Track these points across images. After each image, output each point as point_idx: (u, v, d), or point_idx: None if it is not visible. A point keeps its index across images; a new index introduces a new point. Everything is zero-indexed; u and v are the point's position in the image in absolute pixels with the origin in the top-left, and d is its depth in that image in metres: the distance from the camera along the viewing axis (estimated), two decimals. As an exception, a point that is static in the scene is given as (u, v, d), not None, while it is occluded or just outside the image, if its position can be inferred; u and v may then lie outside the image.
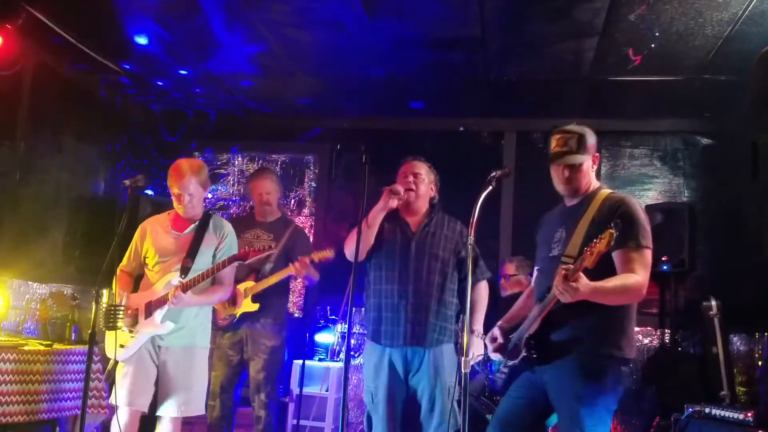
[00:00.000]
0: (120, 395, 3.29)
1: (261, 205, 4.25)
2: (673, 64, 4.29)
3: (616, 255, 2.54)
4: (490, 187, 2.80)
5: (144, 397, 3.31)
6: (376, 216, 3.33)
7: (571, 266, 2.40)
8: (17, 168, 4.37)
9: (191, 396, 3.38)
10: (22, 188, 4.41)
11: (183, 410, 3.35)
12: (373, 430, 3.37)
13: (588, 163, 2.72)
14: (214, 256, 3.47)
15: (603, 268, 2.45)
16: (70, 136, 4.83)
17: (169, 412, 3.34)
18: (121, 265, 3.52)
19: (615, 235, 2.31)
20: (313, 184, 5.96)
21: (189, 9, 3.90)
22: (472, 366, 3.66)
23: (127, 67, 4.86)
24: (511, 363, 2.82)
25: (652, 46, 3.85)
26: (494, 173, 2.80)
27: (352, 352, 5.50)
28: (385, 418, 3.30)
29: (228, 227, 3.57)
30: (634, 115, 5.20)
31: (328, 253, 3.90)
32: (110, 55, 4.67)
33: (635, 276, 2.49)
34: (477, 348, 3.45)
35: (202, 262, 3.42)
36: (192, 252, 3.38)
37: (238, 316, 4.05)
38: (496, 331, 2.89)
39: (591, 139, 2.73)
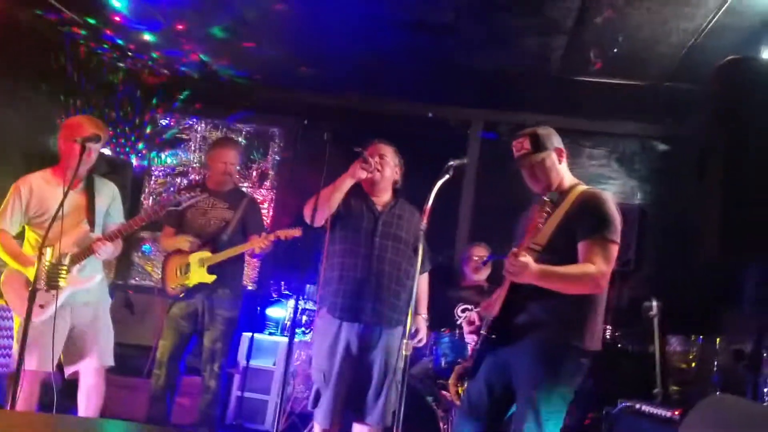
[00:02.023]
0: (32, 358, 3.18)
1: (221, 174, 4.15)
2: (638, 70, 4.39)
3: (580, 246, 2.56)
4: (447, 176, 2.87)
5: (54, 358, 3.24)
6: (343, 182, 3.32)
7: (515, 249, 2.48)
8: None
9: (108, 348, 3.47)
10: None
11: (106, 360, 3.43)
12: (320, 407, 3.37)
13: (550, 159, 2.74)
14: (107, 214, 3.49)
15: (567, 261, 2.51)
16: (26, 84, 4.66)
17: (92, 364, 3.39)
18: None
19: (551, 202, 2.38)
20: (277, 158, 5.91)
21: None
22: (418, 349, 3.74)
23: (93, 21, 4.73)
24: (474, 348, 2.85)
25: (615, 51, 3.94)
26: (451, 162, 2.88)
27: (302, 329, 5.53)
28: (336, 397, 3.32)
29: (114, 187, 3.60)
30: (596, 116, 5.30)
31: (296, 232, 3.85)
32: (75, 5, 4.52)
33: (592, 266, 2.50)
34: (422, 330, 3.57)
35: (101, 217, 3.45)
36: (90, 208, 3.38)
37: (190, 286, 3.99)
38: (473, 315, 2.97)
39: (546, 135, 2.76)
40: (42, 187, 3.36)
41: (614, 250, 2.58)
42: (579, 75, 4.62)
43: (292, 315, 5.36)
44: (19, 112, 4.66)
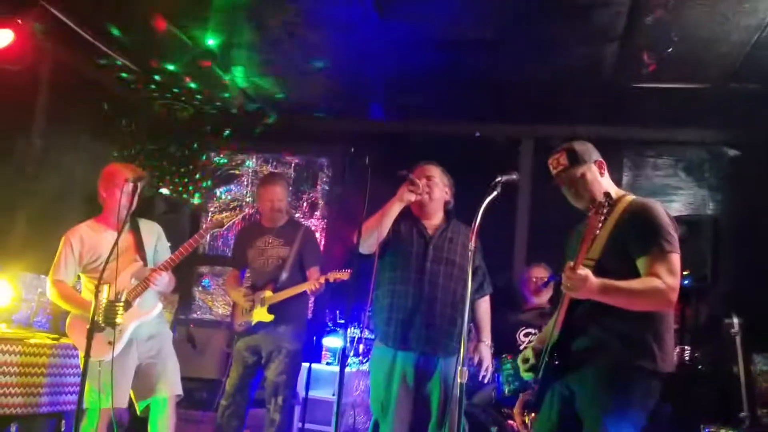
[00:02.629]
0: (105, 397, 3.23)
1: (271, 212, 4.21)
2: (698, 72, 4.18)
3: (640, 262, 2.44)
4: (495, 193, 2.74)
5: (127, 393, 3.37)
6: (392, 207, 3.25)
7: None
8: (32, 163, 4.42)
9: (176, 377, 3.52)
10: (36, 182, 4.48)
11: (172, 390, 3.47)
12: None
13: (591, 173, 2.66)
14: (156, 251, 3.59)
15: (622, 276, 2.38)
16: (86, 131, 4.89)
17: (163, 395, 3.43)
18: (54, 276, 3.46)
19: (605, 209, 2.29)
20: (326, 187, 5.93)
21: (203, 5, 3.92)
22: (481, 377, 3.59)
23: (143, 63, 4.90)
24: (539, 376, 2.67)
25: (669, 50, 3.73)
26: (499, 178, 2.74)
27: (360, 358, 5.45)
28: (396, 427, 3.21)
29: (157, 225, 3.70)
30: (657, 124, 5.06)
31: (344, 276, 3.88)
32: (127, 51, 4.71)
33: (657, 280, 2.36)
34: (486, 359, 3.47)
35: (151, 253, 3.55)
36: (140, 245, 3.50)
37: (254, 323, 4.05)
38: (528, 352, 2.80)
39: (584, 149, 2.69)
40: (91, 235, 3.49)
41: (676, 260, 2.42)
42: (634, 82, 4.42)
43: (354, 344, 5.31)
44: (80, 160, 4.86)
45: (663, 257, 2.40)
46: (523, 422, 3.90)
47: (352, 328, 5.41)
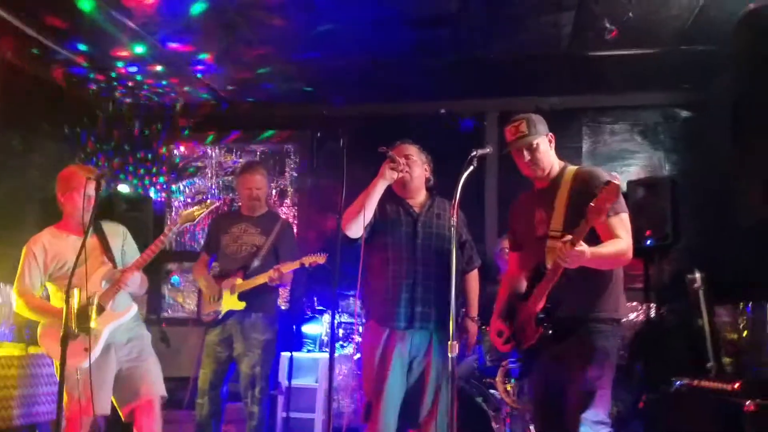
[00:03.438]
0: (87, 404, 3.14)
1: (250, 200, 4.15)
2: (650, 36, 4.26)
3: (598, 225, 2.60)
4: (471, 167, 2.81)
5: (108, 400, 3.30)
6: (376, 186, 3.21)
7: (569, 236, 2.49)
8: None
9: (159, 379, 3.45)
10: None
11: (160, 391, 3.41)
12: (373, 419, 3.24)
13: (545, 144, 2.85)
14: (123, 252, 3.49)
15: (588, 239, 2.53)
16: (40, 134, 4.73)
17: (147, 397, 3.35)
18: (19, 288, 3.34)
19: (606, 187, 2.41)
20: (294, 174, 5.87)
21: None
22: (462, 348, 3.64)
23: (92, 58, 4.74)
24: (527, 346, 2.79)
25: (630, 15, 3.80)
26: (474, 152, 2.82)
27: (340, 342, 5.45)
28: (390, 408, 3.21)
29: (121, 226, 3.61)
30: (613, 91, 5.16)
31: (319, 259, 3.85)
32: (76, 47, 4.54)
33: (622, 240, 2.64)
34: (473, 335, 3.55)
35: (119, 255, 3.46)
36: (107, 247, 3.40)
37: (223, 312, 3.97)
38: (498, 324, 2.95)
39: (539, 120, 2.88)
40: (54, 243, 3.36)
41: (628, 219, 2.71)
42: (590, 50, 4.50)
43: (329, 330, 5.30)
44: (34, 162, 4.70)
45: (617, 217, 2.65)
46: (506, 390, 3.99)
47: (334, 313, 5.42)
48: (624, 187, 4.18)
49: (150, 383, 3.39)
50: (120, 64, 4.89)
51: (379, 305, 3.33)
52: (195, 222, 3.44)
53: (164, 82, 5.28)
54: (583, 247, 2.48)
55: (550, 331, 2.68)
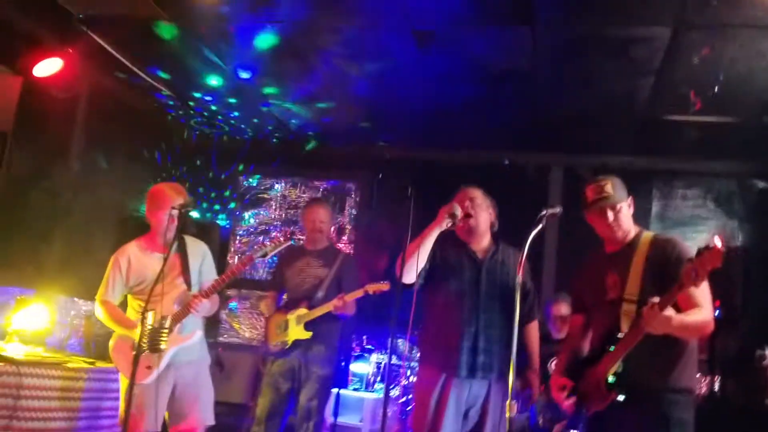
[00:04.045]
0: (141, 419, 3.26)
1: (313, 233, 4.24)
2: (730, 105, 4.19)
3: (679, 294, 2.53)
4: (540, 225, 2.79)
5: (161, 417, 3.35)
6: (430, 233, 3.19)
7: (656, 299, 2.43)
8: (70, 187, 4.46)
9: (209, 406, 3.49)
10: (72, 206, 4.51)
11: (203, 419, 3.44)
12: None
13: (626, 207, 2.80)
14: (200, 272, 3.56)
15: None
16: (121, 155, 4.94)
17: (193, 423, 3.41)
18: (102, 296, 3.47)
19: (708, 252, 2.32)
20: (354, 212, 5.96)
21: (242, 35, 3.97)
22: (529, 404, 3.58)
23: (172, 85, 4.98)
24: (592, 412, 2.71)
25: (716, 89, 3.76)
26: (544, 212, 2.81)
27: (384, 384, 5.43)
28: None
29: (204, 245, 3.68)
30: (687, 156, 5.09)
31: (384, 287, 3.87)
32: (158, 74, 4.78)
33: (704, 310, 2.57)
34: (536, 387, 3.46)
35: (196, 276, 3.52)
36: (185, 268, 3.47)
37: (290, 343, 4.03)
38: (561, 380, 2.86)
39: (621, 185, 2.83)
40: (138, 257, 3.48)
41: (708, 289, 2.61)
42: (667, 114, 4.46)
43: (381, 370, 5.29)
44: (114, 181, 4.92)
45: (701, 288, 2.54)
46: (557, 451, 3.88)
47: (379, 354, 5.42)
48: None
49: (198, 410, 3.43)
50: (197, 94, 5.11)
51: (438, 351, 3.28)
52: (267, 257, 3.53)
53: (236, 114, 5.49)
54: (670, 312, 2.41)
55: (623, 397, 2.59)
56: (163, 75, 4.81)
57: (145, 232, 3.61)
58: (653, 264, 2.65)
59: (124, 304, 3.55)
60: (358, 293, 3.91)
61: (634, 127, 4.73)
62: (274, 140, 5.89)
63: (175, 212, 3.28)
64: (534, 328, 3.49)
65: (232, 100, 5.19)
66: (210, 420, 3.50)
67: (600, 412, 2.67)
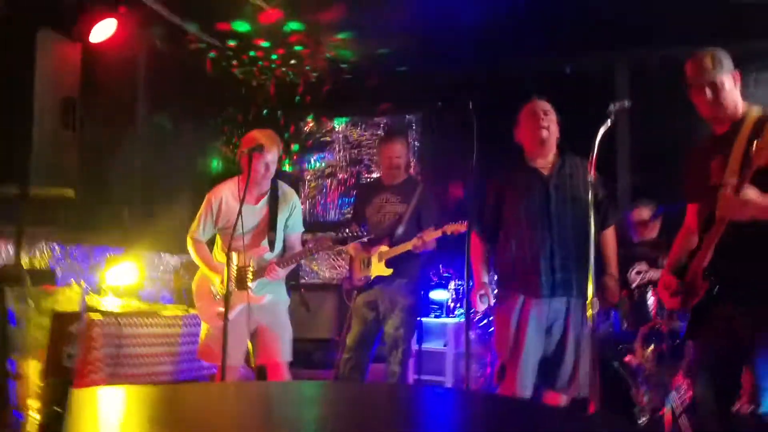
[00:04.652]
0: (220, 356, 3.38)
1: (390, 169, 4.27)
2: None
3: None
4: (609, 121, 2.72)
5: (241, 354, 3.52)
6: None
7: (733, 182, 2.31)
8: (141, 149, 4.64)
9: (287, 345, 3.61)
10: (147, 169, 4.70)
11: (284, 355, 3.59)
12: (508, 381, 3.26)
13: (729, 82, 2.59)
14: (286, 226, 3.63)
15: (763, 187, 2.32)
16: (185, 115, 5.07)
17: (274, 360, 3.57)
18: (192, 234, 3.61)
19: None
20: (416, 144, 5.95)
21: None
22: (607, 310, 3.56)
23: (232, 42, 5.05)
24: (695, 303, 2.62)
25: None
26: (612, 107, 2.73)
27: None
28: (524, 372, 3.21)
29: (295, 197, 3.72)
30: (761, 35, 4.73)
31: (461, 227, 3.83)
32: (215, 30, 4.84)
33: None
34: (614, 292, 3.37)
35: (281, 232, 3.60)
36: (272, 225, 3.54)
37: (372, 277, 4.15)
38: (667, 277, 2.78)
39: (725, 57, 2.61)
40: (230, 201, 3.59)
41: None
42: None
43: (458, 296, 5.36)
44: (183, 142, 5.08)
45: None
46: (644, 356, 3.87)
47: (456, 280, 5.48)
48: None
49: (278, 348, 3.57)
50: (252, 52, 5.18)
51: (515, 273, 3.29)
52: (344, 246, 3.63)
53: (293, 61, 5.51)
54: (749, 194, 2.28)
55: (717, 288, 2.49)
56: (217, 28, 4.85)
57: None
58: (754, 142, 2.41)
59: (212, 241, 3.71)
60: (437, 233, 3.93)
61: (698, 12, 4.43)
62: (332, 81, 5.87)
63: (245, 155, 3.35)
64: (610, 235, 3.42)
65: (289, 46, 5.19)
66: (288, 356, 3.63)
67: (699, 305, 2.59)
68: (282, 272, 3.54)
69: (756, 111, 2.58)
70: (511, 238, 3.33)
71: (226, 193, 3.60)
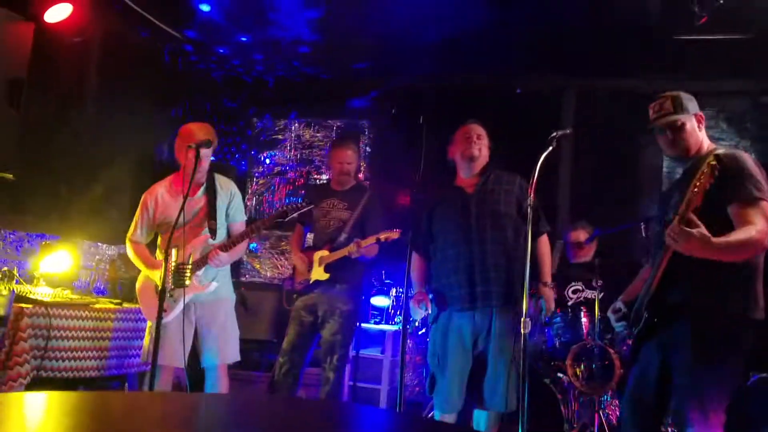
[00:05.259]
0: (164, 354, 3.38)
1: (340, 174, 4.27)
2: (741, 22, 4.10)
3: (731, 210, 2.46)
4: (551, 148, 2.81)
5: (181, 354, 3.42)
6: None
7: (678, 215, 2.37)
8: (88, 133, 4.51)
9: (230, 345, 3.61)
10: (91, 152, 4.56)
11: (223, 357, 3.57)
12: (437, 393, 3.38)
13: (691, 123, 2.68)
14: (227, 215, 3.63)
15: (720, 226, 2.38)
16: (136, 101, 4.95)
17: (213, 360, 3.55)
18: (130, 236, 3.61)
19: (716, 166, 2.29)
20: (368, 149, 5.98)
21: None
22: (543, 318, 3.65)
23: (190, 34, 4.97)
24: (635, 330, 2.71)
25: (721, 1, 3.68)
26: (555, 134, 2.84)
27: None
28: (451, 384, 3.31)
29: (232, 185, 3.72)
30: (700, 76, 5.00)
31: (393, 234, 3.89)
32: (173, 22, 4.76)
33: (753, 229, 2.38)
34: (550, 300, 3.49)
35: (221, 221, 3.59)
36: (212, 213, 3.53)
37: (311, 281, 4.15)
38: (618, 304, 2.89)
39: (687, 99, 2.71)
40: (165, 198, 3.58)
41: (766, 207, 2.45)
42: (677, 34, 4.38)
43: (399, 304, 5.41)
44: (131, 127, 4.96)
45: (756, 204, 2.43)
46: (575, 374, 3.98)
47: (397, 288, 5.53)
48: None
49: (222, 347, 3.56)
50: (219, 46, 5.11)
51: (440, 288, 3.42)
52: (286, 219, 3.60)
53: (250, 57, 5.46)
54: (692, 228, 2.31)
55: (655, 320, 2.59)
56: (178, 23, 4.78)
57: (162, 178, 3.67)
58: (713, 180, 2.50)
59: (154, 244, 3.66)
60: (371, 240, 3.95)
61: (644, 47, 4.64)
62: (286, 80, 5.85)
63: (191, 151, 3.31)
64: (543, 242, 3.53)
65: (243, 40, 5.13)
66: (235, 356, 3.64)
67: (639, 332, 2.68)
68: (225, 257, 3.48)
69: (717, 152, 2.60)
70: (438, 252, 3.46)
71: (161, 190, 3.60)
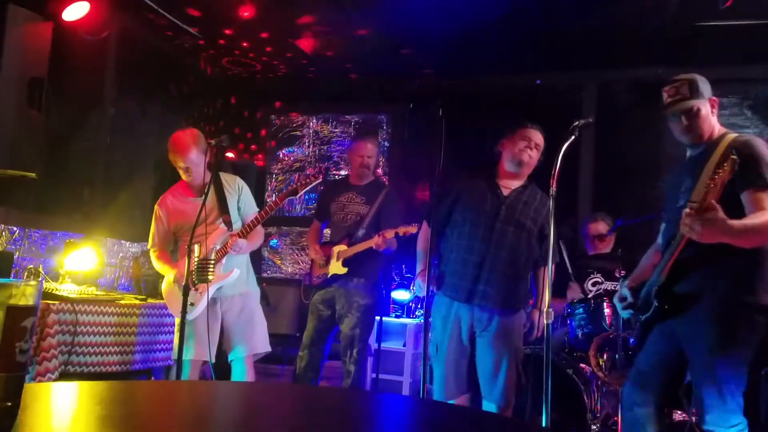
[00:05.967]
0: (191, 349, 3.48)
1: (359, 168, 4.27)
2: (764, 7, 4.02)
3: (744, 197, 2.44)
4: (572, 137, 2.77)
5: (206, 349, 3.46)
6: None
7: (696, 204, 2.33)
8: (107, 132, 4.56)
9: (256, 336, 3.66)
10: (112, 152, 4.62)
11: (250, 348, 3.63)
12: (435, 381, 3.38)
13: (705, 108, 2.64)
14: (238, 209, 3.67)
15: (732, 213, 2.34)
16: (155, 99, 5.00)
17: (241, 352, 3.61)
18: (150, 246, 3.72)
19: (737, 161, 2.26)
20: (386, 144, 5.98)
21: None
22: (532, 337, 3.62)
23: (206, 33, 4.99)
24: (644, 317, 2.71)
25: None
26: (577, 122, 2.79)
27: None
28: (447, 373, 3.31)
29: (238, 179, 3.76)
30: (722, 63, 4.91)
31: (412, 229, 3.90)
32: (190, 20, 4.78)
33: (766, 213, 2.36)
34: (537, 327, 3.46)
35: (235, 216, 3.63)
36: (223, 208, 3.58)
37: (329, 276, 4.17)
38: (624, 291, 2.85)
39: (702, 83, 2.66)
40: (176, 205, 3.66)
41: None
42: (699, 20, 4.30)
43: (421, 297, 5.41)
44: (148, 127, 5.01)
45: (767, 190, 2.41)
46: (598, 364, 3.96)
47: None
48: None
49: (249, 340, 3.61)
50: (227, 31, 5.08)
51: (447, 275, 3.40)
52: (298, 196, 3.63)
53: (267, 52, 5.47)
54: (711, 214, 2.28)
55: (666, 307, 2.57)
56: (191, 15, 4.77)
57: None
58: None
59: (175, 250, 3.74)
60: (390, 233, 3.96)
61: (665, 35, 4.57)
62: (306, 76, 5.85)
63: (194, 150, 3.43)
64: (545, 273, 3.49)
65: (262, 37, 5.15)
66: (265, 346, 3.69)
67: (647, 320, 2.67)
68: (244, 242, 3.52)
69: (730, 136, 2.62)
70: (452, 237, 3.43)
71: (170, 198, 3.69)
